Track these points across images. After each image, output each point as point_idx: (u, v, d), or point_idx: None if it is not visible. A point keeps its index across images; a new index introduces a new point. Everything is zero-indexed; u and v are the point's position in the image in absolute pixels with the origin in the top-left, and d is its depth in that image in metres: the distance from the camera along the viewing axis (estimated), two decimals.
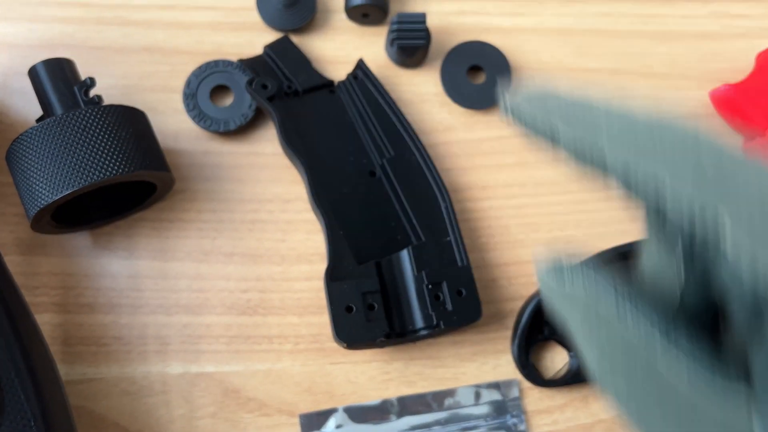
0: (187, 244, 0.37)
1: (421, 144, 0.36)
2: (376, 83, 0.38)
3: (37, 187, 0.31)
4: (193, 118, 0.37)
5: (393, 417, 0.35)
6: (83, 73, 0.39)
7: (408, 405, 0.36)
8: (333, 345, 0.35)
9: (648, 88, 0.41)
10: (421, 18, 0.37)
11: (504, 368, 0.37)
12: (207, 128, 0.37)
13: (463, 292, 0.34)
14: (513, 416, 0.36)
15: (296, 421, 0.35)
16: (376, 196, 0.36)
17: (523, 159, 0.39)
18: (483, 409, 0.36)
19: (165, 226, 0.37)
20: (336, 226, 0.34)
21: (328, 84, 0.38)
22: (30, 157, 0.31)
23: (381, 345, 0.33)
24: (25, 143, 0.32)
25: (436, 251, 0.34)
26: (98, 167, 0.31)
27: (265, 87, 0.36)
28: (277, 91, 0.37)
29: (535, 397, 0.36)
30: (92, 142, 0.31)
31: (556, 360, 0.37)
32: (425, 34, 0.37)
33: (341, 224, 0.35)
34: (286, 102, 0.37)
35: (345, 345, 0.32)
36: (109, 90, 0.39)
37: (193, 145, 0.38)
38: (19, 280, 0.35)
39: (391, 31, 0.37)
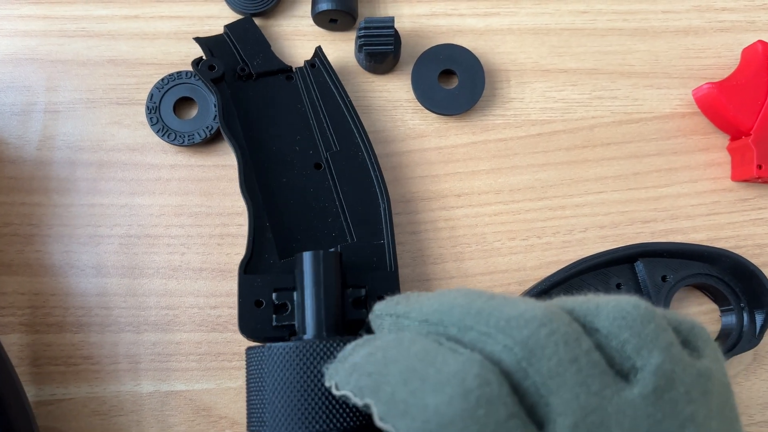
0: (156, 260, 0.36)
1: (369, 142, 0.35)
2: (331, 73, 0.36)
3: (266, 411, 0.28)
4: (157, 132, 0.36)
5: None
6: (47, 88, 0.38)
7: None
8: None
9: (628, 87, 0.40)
10: (389, 22, 0.36)
11: None
12: (171, 142, 0.36)
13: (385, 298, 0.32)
14: None
15: None
16: (317, 189, 0.35)
17: (498, 165, 0.38)
18: None
19: (132, 242, 0.36)
20: (262, 217, 0.33)
21: (286, 69, 0.37)
22: (268, 373, 0.28)
23: (289, 319, 0.31)
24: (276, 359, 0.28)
25: (365, 253, 0.33)
26: (336, 414, 0.27)
27: (212, 68, 0.35)
28: (228, 74, 0.36)
29: None
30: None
31: None
32: (393, 40, 0.36)
33: (272, 215, 0.33)
34: (237, 85, 0.36)
35: (247, 338, 0.31)
36: (75, 104, 0.38)
37: (160, 158, 0.37)
38: None
39: (358, 37, 0.36)
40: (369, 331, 0.27)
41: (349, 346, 0.25)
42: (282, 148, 0.35)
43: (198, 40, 0.37)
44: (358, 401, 0.22)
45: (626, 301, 0.22)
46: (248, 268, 0.32)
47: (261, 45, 0.37)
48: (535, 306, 0.21)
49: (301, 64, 0.37)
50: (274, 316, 0.31)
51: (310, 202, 0.35)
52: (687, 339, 0.22)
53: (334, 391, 0.24)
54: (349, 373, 0.23)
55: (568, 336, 0.20)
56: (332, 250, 0.33)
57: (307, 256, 0.30)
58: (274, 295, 0.31)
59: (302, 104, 0.36)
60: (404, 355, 0.22)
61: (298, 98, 0.36)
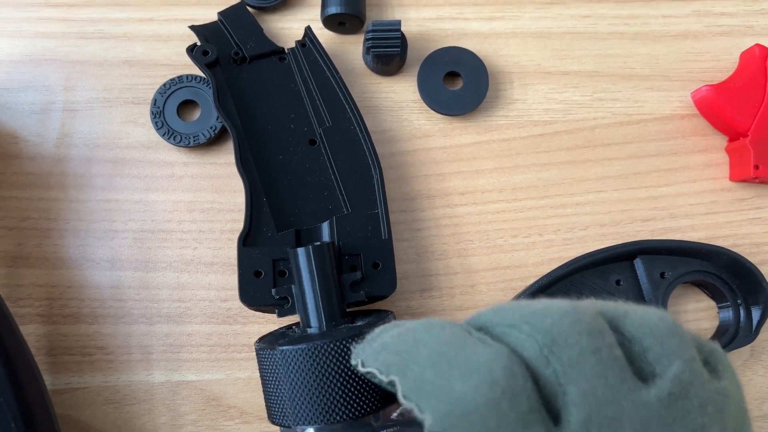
0: (168, 254, 0.37)
1: (360, 116, 0.36)
2: (321, 52, 0.38)
3: (285, 406, 0.29)
4: (163, 135, 0.38)
5: (372, 422, 0.36)
6: (65, 87, 0.39)
7: (386, 410, 0.36)
8: None
9: (629, 89, 0.41)
10: (395, 25, 0.37)
11: None
12: (177, 144, 0.38)
13: (380, 264, 0.33)
14: None
15: (277, 429, 0.35)
16: (313, 164, 0.36)
17: (501, 164, 0.39)
18: None
19: (146, 237, 0.37)
20: (259, 191, 0.34)
21: (278, 51, 0.38)
22: (283, 374, 0.29)
23: (291, 312, 0.32)
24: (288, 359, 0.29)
25: (360, 223, 0.34)
26: (350, 406, 0.29)
27: (205, 53, 0.37)
28: (223, 58, 0.37)
29: None
30: (350, 376, 0.29)
31: None
32: (400, 42, 0.37)
33: (269, 190, 0.35)
34: (232, 68, 0.37)
35: (248, 307, 0.33)
36: (91, 103, 0.39)
37: (173, 156, 0.39)
38: (3, 291, 0.36)
39: (366, 39, 0.38)
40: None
41: (378, 329, 0.25)
42: (277, 127, 0.37)
43: (193, 28, 0.38)
44: (383, 378, 0.23)
45: (654, 312, 0.22)
46: (247, 241, 0.33)
47: (254, 29, 0.39)
48: (561, 301, 0.22)
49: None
50: (273, 289, 0.32)
51: (306, 177, 0.36)
52: (708, 360, 0.23)
53: (360, 369, 0.24)
54: (378, 351, 0.24)
55: (592, 327, 0.21)
56: (326, 242, 0.33)
57: (300, 252, 0.31)
58: (272, 264, 0.32)
59: (295, 83, 0.38)
60: (434, 339, 0.22)
61: (291, 78, 0.38)
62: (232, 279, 0.37)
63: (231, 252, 0.37)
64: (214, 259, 0.37)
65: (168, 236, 0.38)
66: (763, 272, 0.36)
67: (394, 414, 0.35)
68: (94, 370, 0.36)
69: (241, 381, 0.36)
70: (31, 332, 0.36)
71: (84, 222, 0.38)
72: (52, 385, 0.36)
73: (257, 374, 0.36)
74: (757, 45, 0.39)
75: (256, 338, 0.36)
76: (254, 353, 0.36)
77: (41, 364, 0.35)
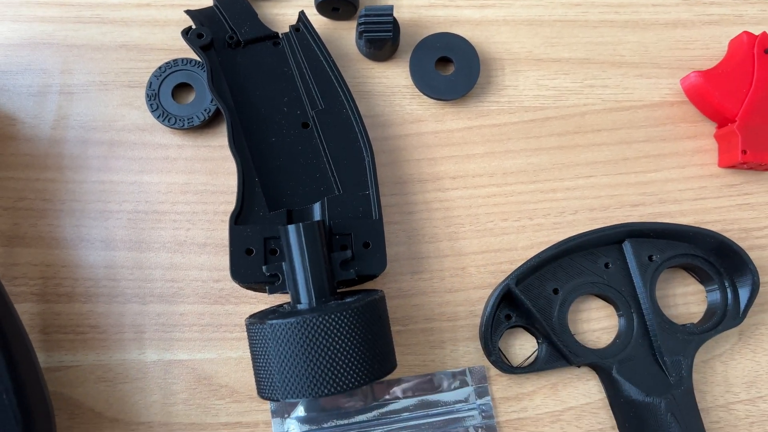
0: (162, 235, 0.38)
1: (352, 99, 0.37)
2: (314, 36, 0.38)
3: (275, 380, 0.30)
4: (157, 117, 0.38)
5: (361, 404, 0.36)
6: (62, 71, 0.40)
7: (376, 392, 0.36)
8: None
9: (619, 76, 0.41)
10: (388, 10, 0.38)
11: (473, 355, 0.37)
12: (171, 126, 0.38)
13: (371, 244, 0.34)
14: (481, 403, 0.36)
15: (267, 407, 0.36)
16: (305, 146, 0.37)
17: (492, 149, 0.40)
18: (451, 396, 0.36)
19: (140, 217, 0.38)
20: (251, 171, 0.35)
21: (273, 36, 0.39)
22: (272, 348, 0.30)
23: (281, 288, 0.32)
24: (272, 333, 0.30)
25: (351, 203, 0.34)
26: (338, 380, 0.29)
27: (200, 36, 0.37)
28: (218, 42, 0.38)
29: (503, 384, 0.37)
30: (337, 350, 0.29)
31: (526, 347, 0.37)
32: (392, 27, 0.37)
33: (262, 171, 0.35)
34: (227, 52, 0.38)
35: (239, 284, 0.33)
36: (88, 86, 0.40)
37: (168, 138, 0.39)
38: None
39: (359, 24, 0.38)
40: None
41: None
42: (271, 110, 0.37)
43: (189, 12, 0.39)
44: None
45: None
46: (239, 219, 0.34)
47: (248, 14, 0.39)
48: None
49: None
50: (264, 266, 0.32)
51: (299, 159, 0.36)
52: None
53: None
54: None
55: None
56: (317, 220, 0.33)
57: (291, 229, 0.31)
58: (263, 243, 0.33)
59: (289, 67, 0.38)
60: None
61: (285, 62, 0.38)
62: (225, 260, 0.37)
63: (224, 233, 0.38)
64: (207, 240, 0.38)
65: (162, 217, 0.38)
66: (751, 257, 0.36)
67: (386, 395, 0.36)
68: (87, 349, 0.36)
69: (233, 360, 0.36)
70: (25, 310, 0.36)
71: (79, 203, 0.38)
72: (45, 362, 0.36)
73: (248, 354, 0.36)
74: (745, 32, 0.39)
75: (247, 319, 0.36)
76: (246, 334, 0.36)
77: (35, 342, 0.36)
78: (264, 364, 0.30)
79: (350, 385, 0.29)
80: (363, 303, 0.30)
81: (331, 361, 0.29)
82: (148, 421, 0.35)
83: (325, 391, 0.29)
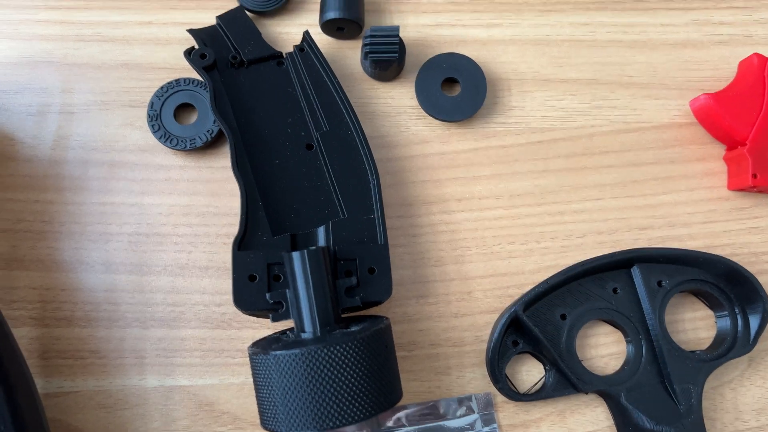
0: (163, 258, 0.37)
1: (357, 121, 0.36)
2: (319, 56, 0.37)
3: (278, 411, 0.29)
4: (159, 138, 0.38)
5: (366, 431, 0.35)
6: (63, 90, 0.39)
7: (381, 419, 0.35)
8: None
9: (627, 97, 0.41)
10: (394, 31, 0.37)
11: (479, 381, 0.36)
12: (174, 147, 0.37)
13: (376, 270, 0.33)
14: (488, 430, 0.35)
15: None
16: (309, 169, 0.36)
17: (499, 171, 0.39)
18: (457, 423, 0.36)
19: (141, 240, 0.37)
20: (254, 195, 0.34)
21: (277, 55, 0.38)
22: (276, 379, 0.29)
23: (285, 317, 0.32)
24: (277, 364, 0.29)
25: (356, 228, 0.34)
26: (343, 413, 0.28)
27: (203, 57, 0.37)
28: (221, 62, 0.37)
29: (510, 411, 0.36)
30: (343, 382, 0.28)
31: (533, 373, 0.37)
32: (398, 48, 0.37)
33: (265, 194, 0.34)
34: (230, 72, 0.37)
35: (242, 311, 0.32)
36: (88, 106, 0.39)
37: (170, 160, 0.39)
38: None
39: (364, 44, 0.38)
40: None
41: None
42: (274, 131, 0.36)
43: (191, 31, 0.38)
44: None
45: None
46: (242, 244, 0.33)
47: (252, 33, 0.39)
48: None
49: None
50: (267, 293, 0.31)
51: (303, 181, 0.36)
52: None
53: None
54: None
55: None
56: (321, 246, 0.33)
57: (295, 257, 0.31)
58: (267, 269, 0.32)
59: (293, 88, 0.37)
60: None
61: (288, 82, 0.38)
62: (227, 283, 0.37)
63: (226, 256, 0.37)
64: (209, 263, 0.37)
65: (163, 240, 0.37)
66: (761, 282, 0.36)
67: (389, 422, 0.35)
68: (87, 374, 0.36)
69: (235, 386, 0.36)
70: (23, 335, 0.36)
71: (79, 225, 0.37)
72: (43, 388, 0.35)
73: (251, 380, 0.36)
74: (756, 54, 0.39)
75: (249, 348, 0.36)
76: (248, 358, 0.35)
77: (33, 367, 0.35)
78: (267, 396, 0.30)
79: (356, 418, 0.28)
80: (369, 333, 0.29)
81: (336, 393, 0.28)
82: None
83: (330, 424, 0.28)
